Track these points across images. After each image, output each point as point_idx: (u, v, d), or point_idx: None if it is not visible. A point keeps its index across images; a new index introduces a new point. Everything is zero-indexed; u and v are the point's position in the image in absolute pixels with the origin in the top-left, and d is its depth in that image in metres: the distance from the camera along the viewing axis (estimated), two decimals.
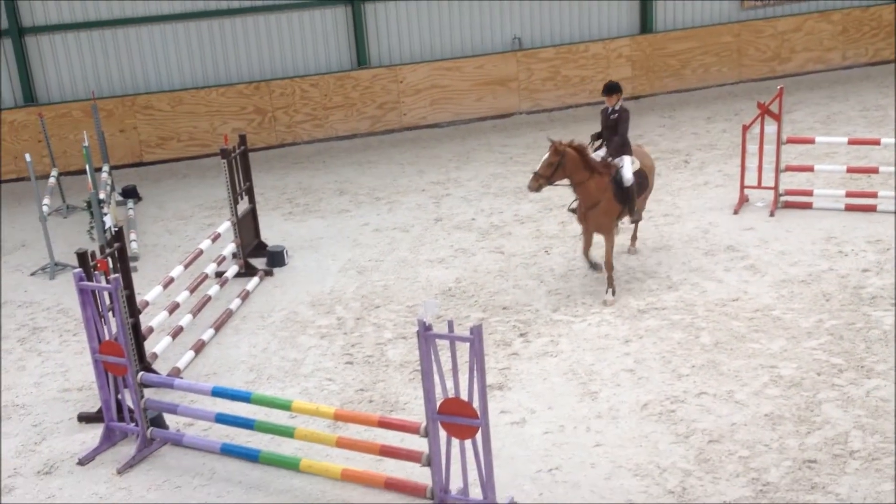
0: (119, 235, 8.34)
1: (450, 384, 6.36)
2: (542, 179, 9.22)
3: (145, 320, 8.78)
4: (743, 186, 11.98)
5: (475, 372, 6.22)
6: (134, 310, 8.27)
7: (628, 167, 9.64)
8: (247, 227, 11.27)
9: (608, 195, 9.51)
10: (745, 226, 11.41)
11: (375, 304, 10.08)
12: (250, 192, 11.42)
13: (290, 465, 7.19)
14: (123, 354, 7.45)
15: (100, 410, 7.91)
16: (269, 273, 11.01)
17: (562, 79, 17.50)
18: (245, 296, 10.36)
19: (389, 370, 8.67)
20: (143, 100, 15.86)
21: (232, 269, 10.80)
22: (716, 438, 7.29)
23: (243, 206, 11.27)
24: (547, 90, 17.50)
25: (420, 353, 6.32)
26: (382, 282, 10.64)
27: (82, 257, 7.64)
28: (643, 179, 9.94)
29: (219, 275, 10.59)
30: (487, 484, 6.45)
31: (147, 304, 8.81)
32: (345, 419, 7.11)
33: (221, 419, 7.47)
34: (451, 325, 6.27)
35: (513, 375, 8.43)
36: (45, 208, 11.52)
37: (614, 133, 9.71)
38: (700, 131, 15.68)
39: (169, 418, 7.92)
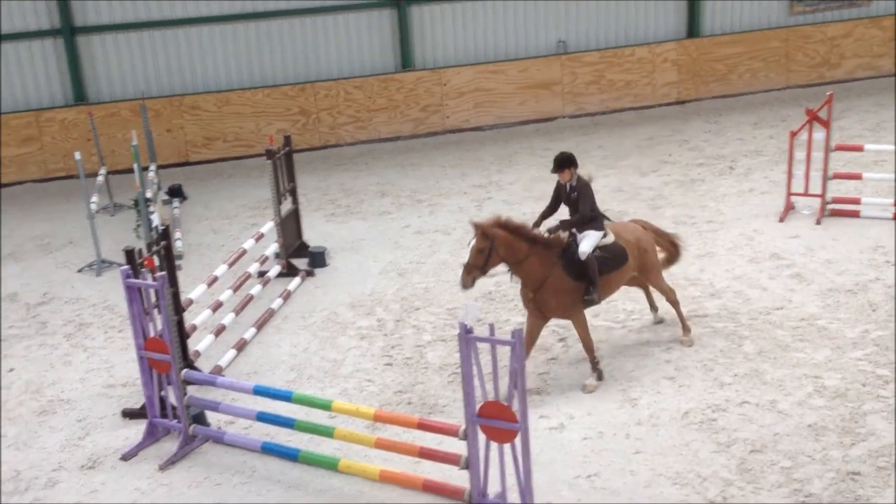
0: (165, 234, 8.44)
1: (489, 387, 6.35)
2: (476, 271, 7.84)
3: (189, 318, 8.87)
4: (789, 193, 11.82)
5: (516, 376, 6.21)
6: (178, 307, 8.36)
7: (588, 240, 8.20)
8: (289, 227, 11.35)
9: (557, 270, 8.11)
10: (791, 234, 11.26)
11: (415, 306, 10.11)
12: (294, 193, 11.51)
13: (329, 464, 7.23)
14: (168, 351, 7.54)
15: (143, 406, 8.02)
16: (310, 274, 11.09)
17: (606, 83, 17.42)
18: (287, 296, 10.44)
19: (429, 372, 8.68)
20: (190, 100, 16.06)
21: (274, 269, 10.89)
22: (758, 448, 7.21)
23: (286, 206, 11.35)
24: (591, 94, 17.43)
25: (461, 356, 6.32)
26: (423, 284, 10.66)
27: (129, 255, 7.75)
28: (617, 255, 8.38)
29: (261, 274, 10.69)
30: (525, 488, 6.43)
31: (191, 302, 8.92)
32: (384, 420, 7.13)
33: (262, 418, 7.53)
34: (492, 328, 6.26)
35: (552, 380, 8.40)
36: (93, 206, 11.70)
37: (577, 211, 8.35)
38: (746, 137, 15.51)
39: (210, 416, 8.01)
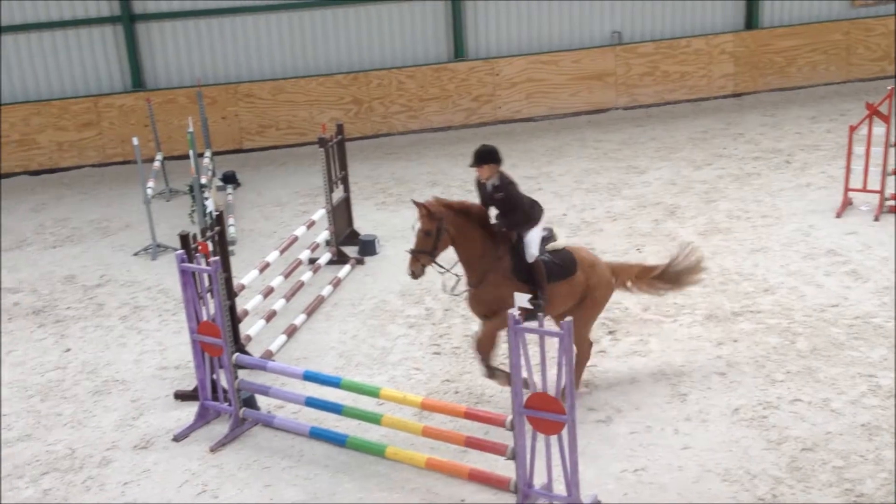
0: (219, 220, 8.56)
1: (537, 379, 6.34)
2: (424, 257, 7.17)
3: (241, 303, 8.99)
4: (847, 189, 11.60)
5: (563, 367, 6.19)
6: (230, 292, 8.47)
7: (536, 241, 7.44)
8: (341, 215, 11.43)
9: (503, 265, 7.37)
10: (848, 230, 11.05)
11: (464, 295, 10.09)
12: (345, 181, 11.58)
13: (376, 451, 7.29)
14: (220, 336, 7.65)
15: (195, 389, 8.15)
16: (360, 262, 11.16)
17: (661, 74, 17.23)
18: (337, 283, 10.52)
19: (476, 362, 8.67)
20: (245, 88, 16.22)
21: (325, 257, 10.98)
22: (809, 447, 7.10)
23: (338, 194, 11.43)
24: (645, 85, 17.26)
25: (509, 347, 6.32)
26: None
27: (184, 239, 7.87)
28: (566, 264, 7.55)
29: (312, 261, 10.78)
30: (572, 481, 6.41)
31: (243, 287, 9.02)
32: (431, 409, 7.15)
33: (311, 403, 7.61)
34: (541, 319, 6.25)
35: (600, 373, 8.36)
36: (149, 191, 11.90)
37: (504, 216, 7.49)
38: (804, 131, 15.24)
39: (260, 400, 8.11)
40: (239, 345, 8.54)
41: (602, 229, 11.74)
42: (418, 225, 7.23)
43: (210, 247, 8.21)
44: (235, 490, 7.09)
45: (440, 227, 7.19)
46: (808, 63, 17.57)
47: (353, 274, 10.90)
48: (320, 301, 10.11)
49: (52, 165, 15.94)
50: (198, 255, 7.82)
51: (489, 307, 7.46)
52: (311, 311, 9.86)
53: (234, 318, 8.53)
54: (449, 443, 7.03)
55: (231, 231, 12.11)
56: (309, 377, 7.56)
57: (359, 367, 8.75)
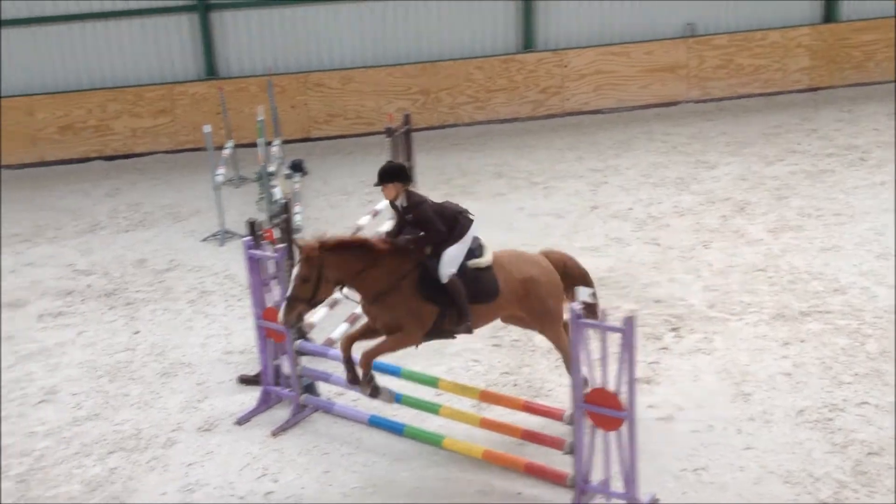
0: (286, 208, 8.66)
1: (597, 374, 6.29)
2: (302, 305, 6.51)
3: None
4: None
5: (625, 363, 6.13)
6: None
7: (449, 261, 6.77)
8: None
9: (407, 282, 6.72)
10: None
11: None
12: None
13: (434, 441, 7.31)
14: None
15: (258, 374, 8.28)
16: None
17: (735, 67, 16.93)
18: None
19: (536, 356, 8.66)
20: (315, 77, 16.39)
21: None
22: (875, 451, 6.93)
23: None
24: (718, 78, 16.97)
25: (570, 341, 6.28)
26: None
27: (252, 226, 7.99)
28: (485, 288, 6.88)
29: None
30: (630, 478, 6.36)
31: None
32: (490, 401, 7.16)
33: None
34: (603, 314, 6.20)
35: (662, 370, 8.27)
36: (218, 178, 12.10)
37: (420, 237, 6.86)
38: (881, 127, 14.82)
39: (321, 386, 8.20)
40: (301, 332, 8.64)
41: (668, 224, 11.59)
42: (296, 270, 6.48)
43: (276, 234, 8.32)
44: (295, 475, 7.19)
45: (320, 275, 6.47)
46: (886, 58, 17.07)
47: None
48: None
49: (126, 151, 16.32)
50: (264, 242, 7.93)
51: (386, 325, 6.86)
52: None
53: None
54: (506, 435, 7.02)
55: (297, 219, 12.23)
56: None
57: (417, 358, 8.74)
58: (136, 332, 9.77)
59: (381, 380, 7.88)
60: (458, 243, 6.84)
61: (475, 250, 6.98)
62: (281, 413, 7.98)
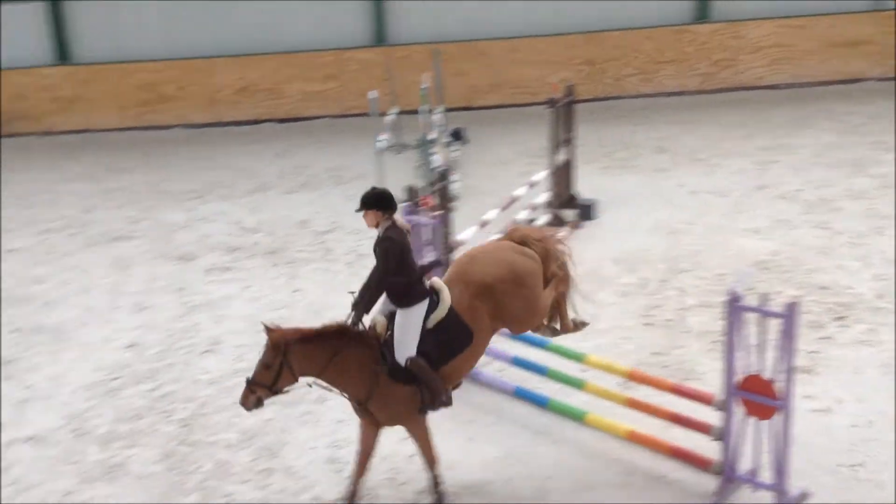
0: (444, 175, 8.76)
1: (753, 360, 6.08)
2: (262, 390, 6.04)
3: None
4: None
5: (784, 351, 5.90)
6: (448, 247, 8.67)
7: (402, 342, 6.06)
8: (562, 178, 11.37)
9: (382, 378, 6.10)
10: None
11: (682, 267, 9.83)
12: (570, 143, 11.49)
13: (577, 416, 7.28)
14: None
15: None
16: (577, 226, 11.09)
17: None
18: None
19: (689, 337, 8.45)
20: (480, 46, 16.41)
21: (543, 219, 10.99)
22: None
23: (562, 156, 11.37)
24: None
25: (726, 324, 6.10)
26: (692, 246, 10.34)
27: (411, 193, 8.13)
28: (457, 333, 6.13)
29: (529, 223, 10.81)
30: (781, 469, 6.14)
31: (460, 243, 9.20)
32: (637, 380, 7.07)
33: (518, 362, 7.71)
34: (763, 298, 5.98)
35: (822, 361, 7.91)
36: (381, 144, 12.35)
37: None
38: None
39: None
40: None
41: (840, 208, 11.02)
42: (261, 355, 6.10)
43: (434, 201, 8.43)
44: (439, 439, 7.28)
45: (283, 362, 5.98)
46: None
47: (569, 238, 10.82)
48: None
49: (296, 114, 16.89)
50: (421, 208, 8.05)
51: (387, 422, 6.32)
52: None
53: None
54: (654, 416, 6.90)
55: (454, 187, 12.35)
56: (516, 337, 7.63)
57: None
58: (296, 290, 10.15)
59: (527, 352, 7.90)
60: (412, 312, 6.06)
61: (432, 299, 6.14)
62: None
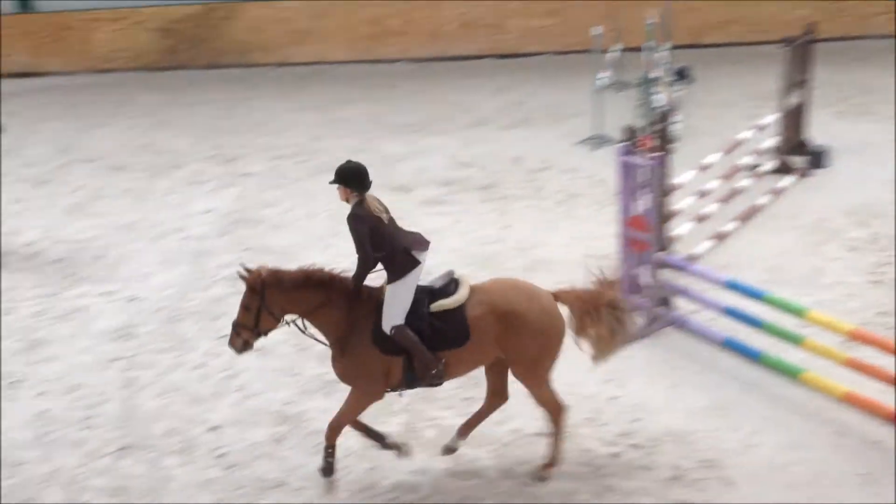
0: (665, 116, 8.51)
1: None
2: (246, 332, 6.09)
3: (673, 203, 8.92)
4: None
5: None
6: (664, 190, 8.45)
7: (400, 303, 5.99)
8: (792, 122, 10.74)
9: (361, 332, 6.07)
10: None
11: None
12: (804, 86, 10.81)
13: (791, 373, 6.98)
14: (649, 231, 7.71)
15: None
16: (807, 173, 10.47)
17: None
18: (777, 193, 10.01)
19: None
20: None
21: (768, 164, 10.46)
22: None
23: (794, 99, 10.73)
24: None
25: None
26: None
27: (629, 133, 7.96)
28: (455, 328, 6.02)
29: (753, 168, 10.34)
30: None
31: (676, 186, 8.94)
32: (860, 340, 6.69)
33: (731, 312, 7.46)
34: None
35: None
36: (601, 82, 12.12)
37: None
38: None
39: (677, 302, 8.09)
40: (663, 244, 8.54)
41: None
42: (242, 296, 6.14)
43: (652, 142, 8.21)
44: (642, 383, 7.25)
45: (261, 305, 6.03)
46: None
47: (796, 186, 10.29)
48: (756, 210, 9.71)
49: (517, 50, 16.81)
50: (639, 149, 7.87)
51: (340, 374, 6.30)
52: (743, 220, 9.52)
53: (663, 217, 8.51)
54: (876, 378, 6.51)
55: (676, 128, 11.94)
56: (731, 286, 7.39)
57: (784, 285, 8.32)
58: (506, 227, 10.24)
59: (739, 301, 7.59)
60: (400, 285, 5.99)
61: (446, 287, 6.16)
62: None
